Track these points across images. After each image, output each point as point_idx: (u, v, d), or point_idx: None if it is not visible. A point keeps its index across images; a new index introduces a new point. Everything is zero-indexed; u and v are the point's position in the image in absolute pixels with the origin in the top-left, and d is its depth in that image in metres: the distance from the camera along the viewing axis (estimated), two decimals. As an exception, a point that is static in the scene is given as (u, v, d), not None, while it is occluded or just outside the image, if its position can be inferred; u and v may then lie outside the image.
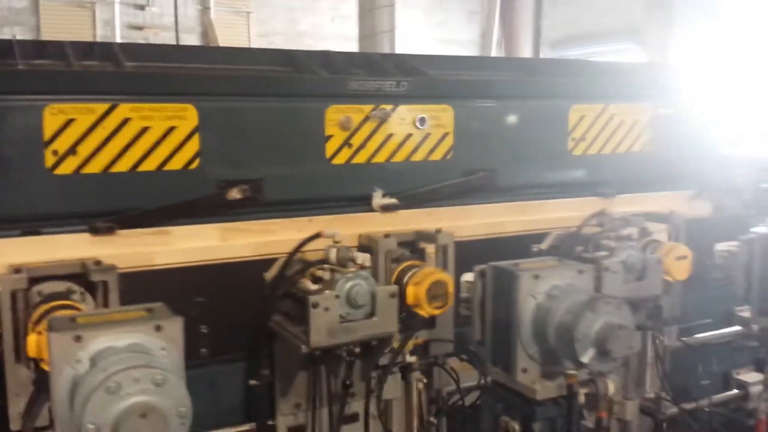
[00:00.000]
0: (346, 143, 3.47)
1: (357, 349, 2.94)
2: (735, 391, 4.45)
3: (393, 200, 3.55)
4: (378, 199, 3.53)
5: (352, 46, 7.16)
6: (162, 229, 3.08)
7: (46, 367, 2.19)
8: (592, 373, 2.69)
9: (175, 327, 2.16)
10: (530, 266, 2.77)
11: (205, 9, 13.96)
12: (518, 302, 2.69)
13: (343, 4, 18.54)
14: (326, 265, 2.93)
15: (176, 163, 3.12)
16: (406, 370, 3.34)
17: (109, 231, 2.97)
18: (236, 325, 3.14)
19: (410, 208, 3.59)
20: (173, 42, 13.83)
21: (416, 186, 3.66)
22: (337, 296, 2.81)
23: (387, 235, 3.23)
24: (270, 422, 3.21)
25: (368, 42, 6.52)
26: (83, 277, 2.71)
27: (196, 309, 3.03)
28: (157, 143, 3.08)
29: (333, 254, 2.93)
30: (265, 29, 18.66)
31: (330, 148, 3.44)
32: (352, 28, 6.86)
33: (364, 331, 2.87)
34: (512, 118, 3.92)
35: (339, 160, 3.47)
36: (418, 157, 3.66)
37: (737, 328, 4.42)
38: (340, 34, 18.83)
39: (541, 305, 2.69)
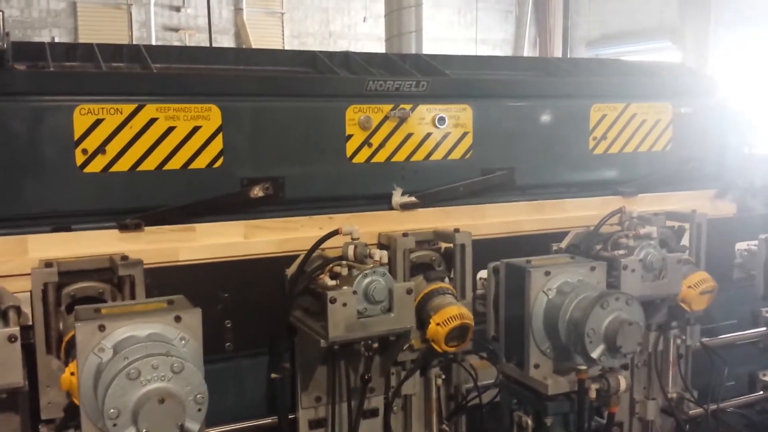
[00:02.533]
0: (366, 142, 3.54)
1: (375, 345, 3.00)
2: (761, 392, 4.42)
3: (412, 199, 3.61)
4: (397, 197, 3.59)
5: (383, 46, 7.22)
6: (187, 226, 3.18)
7: (77, 402, 2.26)
8: (603, 369, 2.72)
9: (193, 318, 2.25)
10: (542, 263, 2.81)
11: (238, 10, 14.13)
12: (530, 298, 2.74)
13: (376, 4, 18.60)
14: (344, 262, 2.99)
15: (201, 162, 3.22)
16: (425, 366, 3.40)
17: (136, 227, 3.08)
18: (258, 320, 3.23)
19: (429, 207, 3.64)
20: (207, 43, 14.04)
21: (436, 185, 3.71)
22: (354, 292, 2.88)
23: (405, 234, 3.30)
24: (292, 415, 3.29)
25: (395, 42, 6.57)
26: (111, 272, 2.83)
27: (220, 304, 3.14)
28: (183, 142, 3.18)
29: (351, 251, 3.00)
30: (298, 30, 18.83)
31: (350, 147, 3.51)
32: (384, 28, 6.93)
33: (381, 327, 2.94)
34: (532, 118, 3.95)
35: (359, 159, 3.54)
36: (438, 156, 3.71)
37: (763, 328, 4.39)
38: (372, 35, 18.93)
39: (552, 301, 2.72)
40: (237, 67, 3.74)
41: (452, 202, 3.73)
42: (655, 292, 3.49)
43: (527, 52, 19.96)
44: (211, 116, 3.22)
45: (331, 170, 3.50)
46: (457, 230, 3.37)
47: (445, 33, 19.61)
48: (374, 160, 3.57)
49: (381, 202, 3.60)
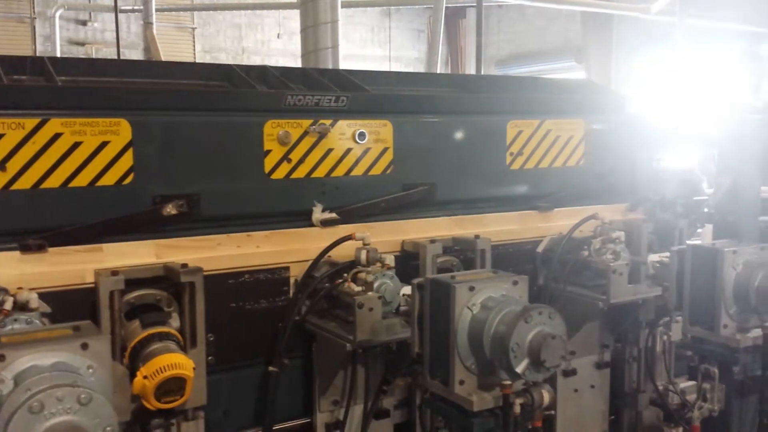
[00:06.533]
0: (285, 158, 3.45)
1: (394, 347, 3.20)
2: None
3: (333, 215, 3.54)
4: (318, 213, 3.52)
5: (298, 62, 7.15)
6: (94, 246, 3.01)
7: (147, 405, 2.51)
8: (527, 383, 2.71)
9: (102, 345, 2.11)
10: (466, 278, 2.78)
11: (148, 24, 13.78)
12: (455, 314, 2.70)
13: (289, 21, 18.58)
14: (370, 268, 3.19)
15: (109, 179, 3.06)
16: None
17: (39, 249, 2.89)
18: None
19: (350, 223, 3.58)
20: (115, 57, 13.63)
21: (357, 200, 3.66)
22: (380, 297, 3.10)
23: (432, 241, 3.51)
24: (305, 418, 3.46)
25: (311, 58, 6.51)
26: (167, 280, 2.91)
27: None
28: (90, 158, 3.02)
29: (363, 255, 3.19)
30: (210, 45, 18.58)
31: (269, 162, 3.42)
32: (298, 44, 6.84)
33: (403, 332, 3.12)
34: (451, 133, 3.96)
35: (278, 174, 3.45)
36: (358, 171, 3.66)
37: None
38: (286, 51, 18.87)
39: (476, 317, 2.70)
40: (149, 80, 3.59)
41: (373, 217, 3.69)
42: (639, 293, 3.89)
43: (440, 70, 20.31)
44: (120, 131, 3.07)
45: (248, 186, 3.40)
46: (477, 237, 3.59)
47: (359, 51, 19.76)
48: (294, 175, 3.49)
49: (301, 218, 3.51)
